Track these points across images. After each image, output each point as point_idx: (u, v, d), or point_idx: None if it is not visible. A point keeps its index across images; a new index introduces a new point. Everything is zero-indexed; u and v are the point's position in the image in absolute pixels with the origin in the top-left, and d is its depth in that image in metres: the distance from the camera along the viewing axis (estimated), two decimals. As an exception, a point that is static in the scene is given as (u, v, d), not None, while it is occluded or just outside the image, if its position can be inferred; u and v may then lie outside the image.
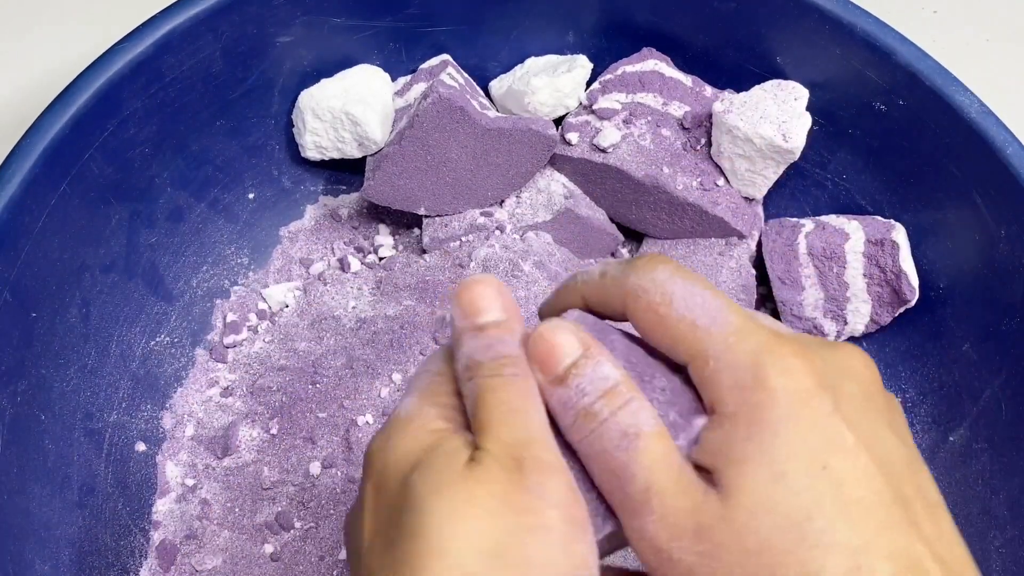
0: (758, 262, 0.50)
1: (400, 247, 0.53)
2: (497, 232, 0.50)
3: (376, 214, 0.54)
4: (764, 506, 0.22)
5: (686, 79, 0.50)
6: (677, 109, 0.50)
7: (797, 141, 0.46)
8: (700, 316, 0.24)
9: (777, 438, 0.23)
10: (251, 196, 0.52)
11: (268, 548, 0.44)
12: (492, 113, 0.49)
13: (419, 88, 0.50)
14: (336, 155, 0.51)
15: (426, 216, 0.51)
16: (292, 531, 0.44)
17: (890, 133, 0.46)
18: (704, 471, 0.24)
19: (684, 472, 0.24)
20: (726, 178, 0.49)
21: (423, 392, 0.27)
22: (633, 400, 0.24)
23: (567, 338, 0.25)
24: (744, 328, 0.24)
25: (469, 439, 0.25)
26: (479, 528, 0.23)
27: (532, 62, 0.52)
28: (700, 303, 0.24)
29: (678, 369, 0.26)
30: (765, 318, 0.26)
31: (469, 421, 0.26)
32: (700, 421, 0.25)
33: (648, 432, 0.24)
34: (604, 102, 0.50)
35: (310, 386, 0.47)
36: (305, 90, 0.50)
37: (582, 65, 0.50)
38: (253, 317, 0.51)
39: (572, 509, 0.24)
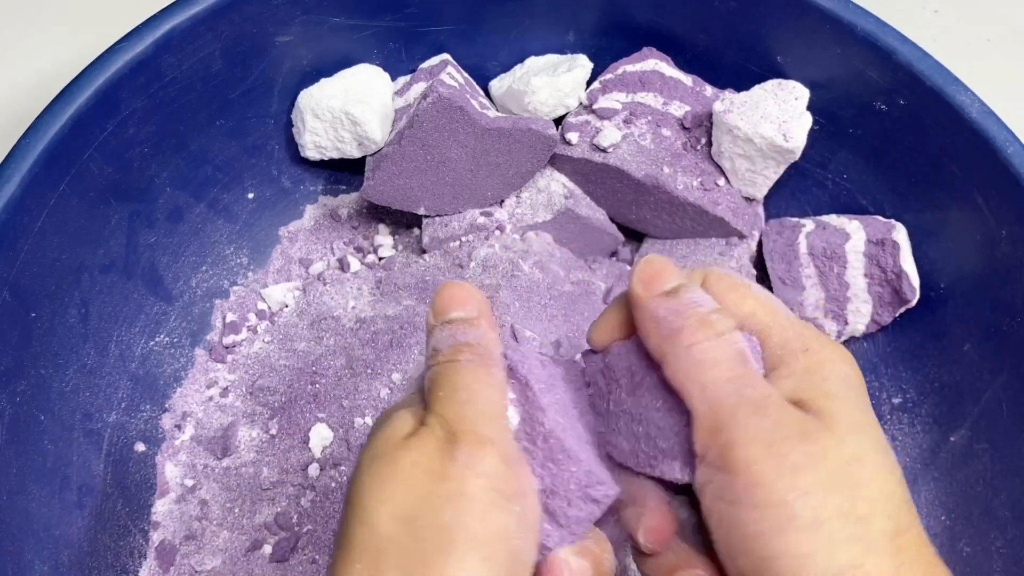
0: (758, 262, 0.50)
1: (400, 247, 0.53)
2: (497, 232, 0.50)
3: (376, 214, 0.54)
4: (857, 429, 0.26)
5: (686, 79, 0.50)
6: (677, 109, 0.49)
7: (798, 141, 0.46)
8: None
9: (862, 394, 0.28)
10: (251, 196, 0.52)
11: (267, 548, 0.44)
12: (492, 113, 0.49)
13: (419, 88, 0.50)
14: (336, 155, 0.51)
15: (426, 216, 0.51)
16: (291, 531, 0.44)
17: (891, 133, 0.46)
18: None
19: (784, 403, 0.26)
20: (726, 178, 0.49)
21: (413, 386, 0.30)
22: (737, 331, 0.27)
23: (673, 268, 0.28)
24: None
25: (420, 415, 0.27)
26: (397, 494, 0.24)
27: (532, 61, 0.52)
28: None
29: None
30: (763, 310, 0.28)
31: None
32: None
33: (753, 368, 0.26)
34: (604, 102, 0.50)
35: (309, 386, 0.47)
36: (305, 90, 0.50)
37: (582, 65, 0.50)
38: (252, 317, 0.51)
39: (500, 481, 0.25)
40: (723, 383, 0.25)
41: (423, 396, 0.28)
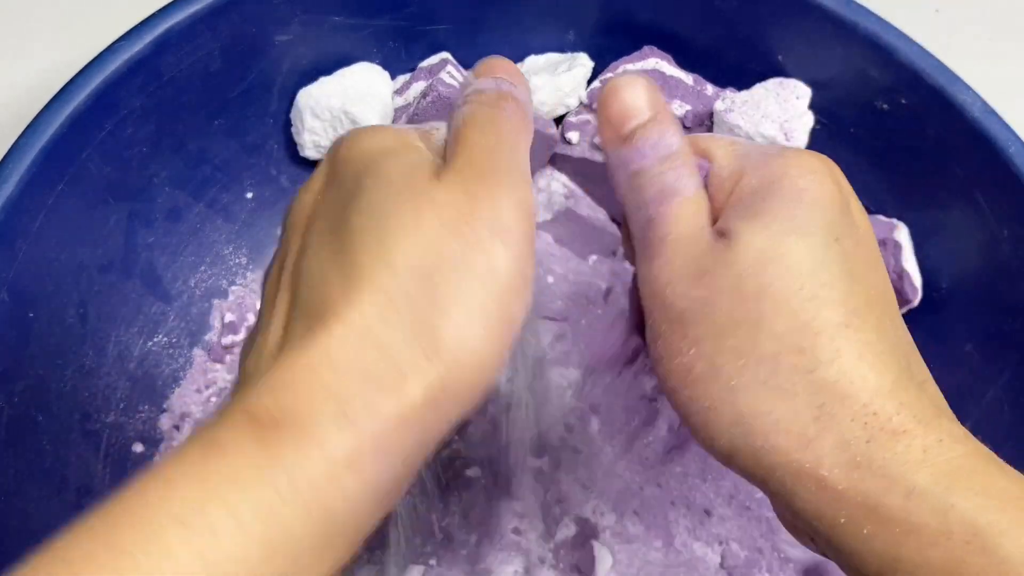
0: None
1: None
2: (497, 232, 0.50)
3: (375, 214, 0.54)
4: (771, 254, 0.23)
5: (687, 78, 0.50)
6: (678, 108, 0.49)
7: (799, 140, 0.46)
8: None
9: (799, 204, 0.24)
10: (250, 196, 0.52)
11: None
12: (492, 112, 0.49)
13: (419, 87, 0.50)
14: (335, 154, 0.51)
15: (426, 216, 0.51)
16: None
17: (892, 132, 0.46)
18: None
19: (705, 230, 0.25)
20: (727, 177, 0.49)
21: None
22: (685, 167, 0.25)
23: (639, 98, 0.25)
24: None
25: (436, 159, 0.24)
26: (420, 249, 0.22)
27: (532, 60, 0.52)
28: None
29: None
30: None
31: (446, 152, 0.25)
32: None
33: (687, 196, 0.25)
34: (605, 101, 0.50)
35: (309, 387, 0.47)
36: (304, 89, 0.50)
37: (583, 64, 0.50)
38: (251, 317, 0.50)
39: (524, 261, 0.23)
40: (640, 226, 0.26)
41: (429, 133, 0.26)
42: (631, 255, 0.27)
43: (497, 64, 0.26)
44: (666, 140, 0.25)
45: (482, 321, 0.22)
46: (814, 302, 0.23)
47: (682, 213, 0.25)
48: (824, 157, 0.27)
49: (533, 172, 0.50)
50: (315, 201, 0.26)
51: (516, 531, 0.43)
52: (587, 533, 0.43)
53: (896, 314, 0.25)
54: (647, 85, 0.26)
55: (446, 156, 0.24)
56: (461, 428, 0.41)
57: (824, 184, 0.25)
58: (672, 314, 0.24)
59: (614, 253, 0.53)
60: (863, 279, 0.24)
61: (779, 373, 0.22)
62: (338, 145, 0.26)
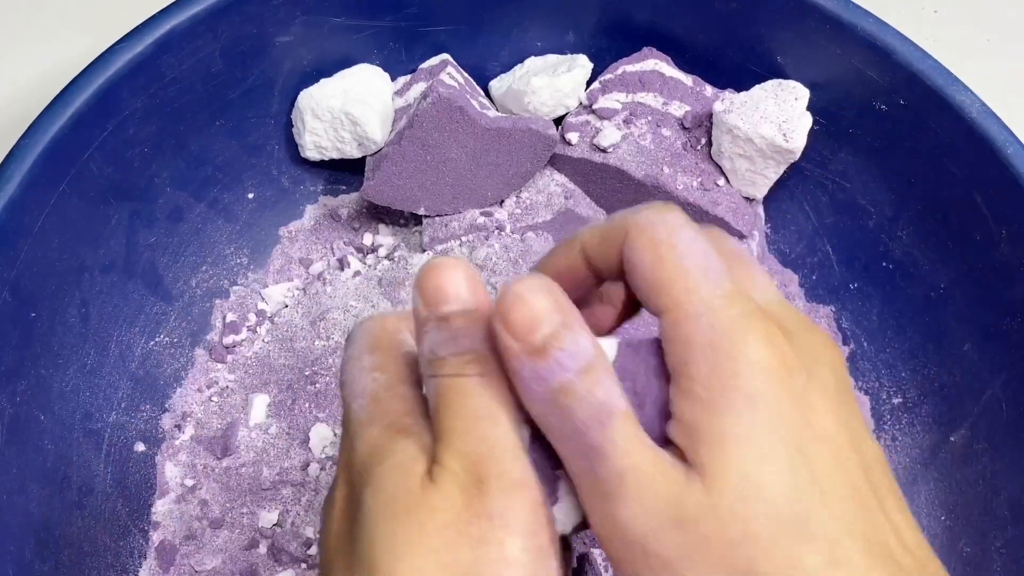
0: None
1: (400, 247, 0.53)
2: (497, 232, 0.50)
3: (376, 214, 0.54)
4: (749, 491, 0.21)
5: (686, 79, 0.50)
6: (677, 109, 0.49)
7: (798, 141, 0.46)
8: (696, 268, 0.22)
9: (757, 415, 0.21)
10: (251, 196, 0.52)
11: (267, 548, 0.44)
12: (492, 113, 0.49)
13: (419, 88, 0.50)
14: (336, 155, 0.51)
15: (426, 216, 0.51)
16: (291, 532, 0.44)
17: (891, 133, 0.46)
18: (675, 447, 0.22)
19: (660, 455, 0.22)
20: (726, 178, 0.49)
21: (376, 390, 0.25)
22: (607, 377, 0.22)
23: (545, 302, 0.22)
24: (734, 295, 0.22)
25: (427, 442, 0.23)
26: (432, 563, 0.21)
27: (532, 62, 0.52)
28: (702, 257, 0.23)
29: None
30: (764, 292, 0.25)
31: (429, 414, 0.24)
32: (660, 390, 0.23)
33: (622, 411, 0.22)
34: (604, 102, 0.50)
35: (309, 386, 0.47)
36: (304, 90, 0.50)
37: (582, 65, 0.50)
38: (252, 317, 0.51)
39: (538, 537, 0.22)
40: (579, 458, 0.22)
41: (418, 408, 0.24)
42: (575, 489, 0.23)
43: (441, 279, 0.23)
44: (582, 346, 0.22)
45: None
46: (798, 544, 0.21)
47: (628, 435, 0.22)
48: (769, 331, 0.22)
49: (533, 172, 0.50)
50: (338, 515, 0.24)
51: None
52: None
53: (871, 466, 0.23)
54: (547, 287, 0.22)
55: (434, 437, 0.23)
56: None
57: (771, 384, 0.22)
58: (657, 562, 0.21)
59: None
60: (834, 483, 0.22)
61: None
62: (341, 449, 0.25)
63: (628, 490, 0.21)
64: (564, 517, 0.24)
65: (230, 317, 0.50)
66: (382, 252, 0.53)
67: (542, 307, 0.22)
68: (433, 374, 0.24)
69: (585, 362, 0.22)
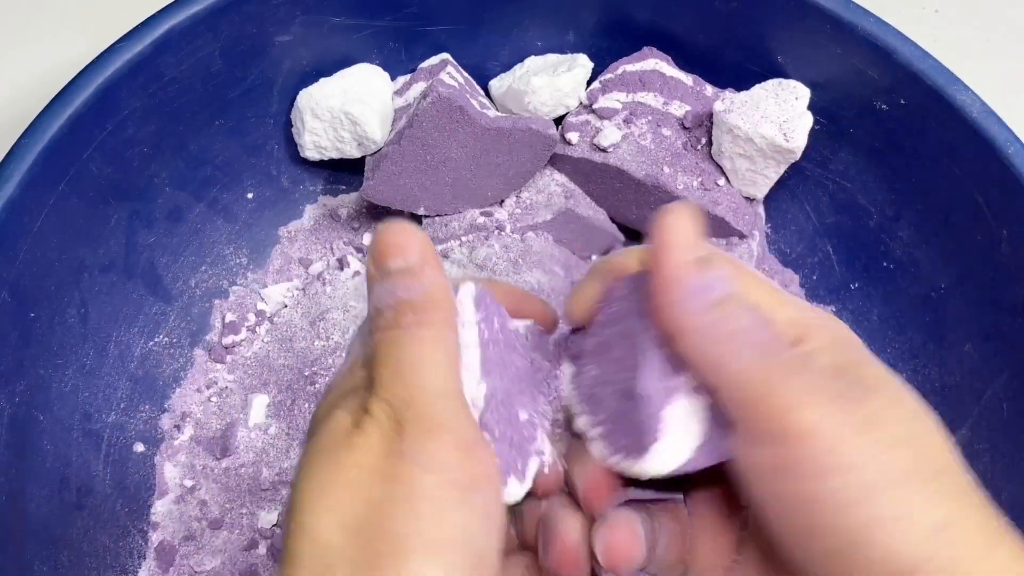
0: (759, 263, 0.50)
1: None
2: (497, 232, 0.50)
3: (375, 214, 0.54)
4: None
5: (687, 78, 0.50)
6: (678, 108, 0.49)
7: (798, 141, 0.46)
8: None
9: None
10: (250, 196, 0.52)
11: (266, 549, 0.44)
12: (492, 113, 0.49)
13: (419, 87, 0.50)
14: (335, 155, 0.51)
15: (426, 216, 0.51)
16: (291, 532, 0.44)
17: (891, 133, 0.46)
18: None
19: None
20: (727, 178, 0.49)
21: (354, 351, 0.26)
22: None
23: (697, 231, 0.24)
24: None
25: (366, 403, 0.24)
26: (343, 501, 0.22)
27: (532, 61, 0.52)
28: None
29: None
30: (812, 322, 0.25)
31: None
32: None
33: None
34: (604, 101, 0.50)
35: (309, 386, 0.47)
36: (304, 90, 0.50)
37: (582, 64, 0.50)
38: (252, 317, 0.51)
39: (456, 472, 0.22)
40: (758, 348, 0.23)
41: (367, 368, 0.25)
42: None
43: (386, 242, 0.25)
44: (728, 266, 0.25)
45: (426, 551, 0.21)
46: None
47: (801, 351, 0.24)
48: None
49: (533, 172, 0.50)
50: None
51: None
52: None
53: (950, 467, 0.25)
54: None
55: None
56: None
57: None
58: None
59: (614, 253, 0.53)
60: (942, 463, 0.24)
61: None
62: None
63: (815, 367, 0.23)
64: (516, 491, 0.25)
65: (229, 317, 0.50)
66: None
67: (694, 229, 0.24)
68: (373, 330, 0.25)
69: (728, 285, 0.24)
